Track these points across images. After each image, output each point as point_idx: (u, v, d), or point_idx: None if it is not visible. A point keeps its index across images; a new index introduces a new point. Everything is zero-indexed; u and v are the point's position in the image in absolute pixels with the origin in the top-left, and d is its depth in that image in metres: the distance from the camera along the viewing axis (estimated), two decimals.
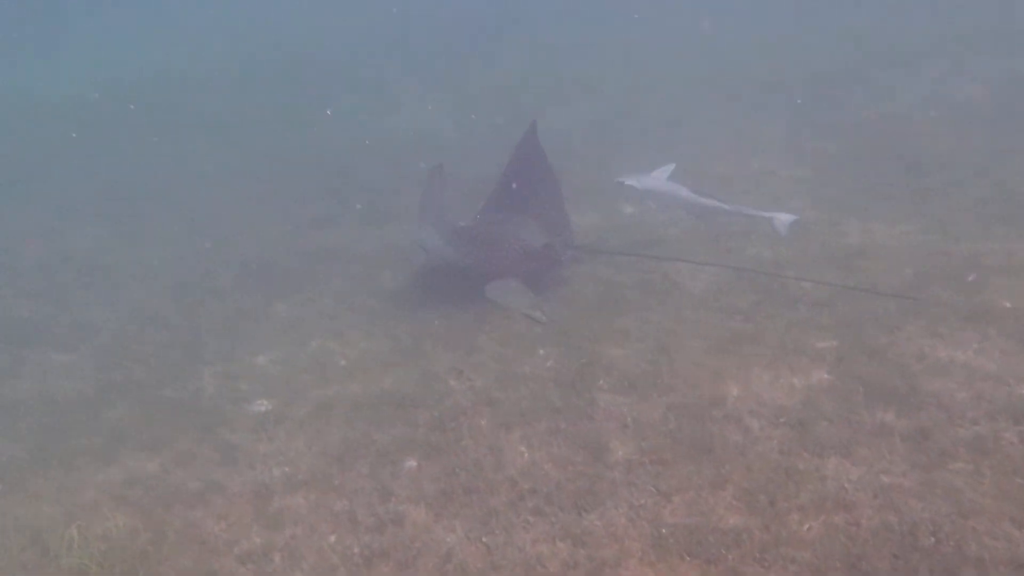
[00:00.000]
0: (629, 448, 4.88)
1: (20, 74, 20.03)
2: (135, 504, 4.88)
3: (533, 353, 6.15)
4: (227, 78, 17.41)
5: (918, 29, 13.58)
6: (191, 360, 6.71)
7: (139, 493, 4.99)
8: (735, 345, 5.78)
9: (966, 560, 3.71)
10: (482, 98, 13.88)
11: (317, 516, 4.65)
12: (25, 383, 6.46)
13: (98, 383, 6.40)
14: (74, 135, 13.83)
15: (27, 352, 6.97)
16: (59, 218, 10.28)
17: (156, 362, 6.70)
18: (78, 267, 8.73)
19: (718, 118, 11.08)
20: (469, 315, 6.83)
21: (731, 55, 13.95)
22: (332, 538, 4.48)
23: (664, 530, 4.19)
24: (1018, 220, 7.04)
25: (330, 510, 4.69)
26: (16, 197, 11.21)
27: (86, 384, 6.40)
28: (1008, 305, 5.68)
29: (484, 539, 4.31)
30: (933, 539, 3.86)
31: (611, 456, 4.84)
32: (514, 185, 7.44)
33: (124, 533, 4.54)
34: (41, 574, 4.41)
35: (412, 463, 5.03)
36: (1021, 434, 4.43)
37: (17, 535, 4.61)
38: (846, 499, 4.18)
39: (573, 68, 14.80)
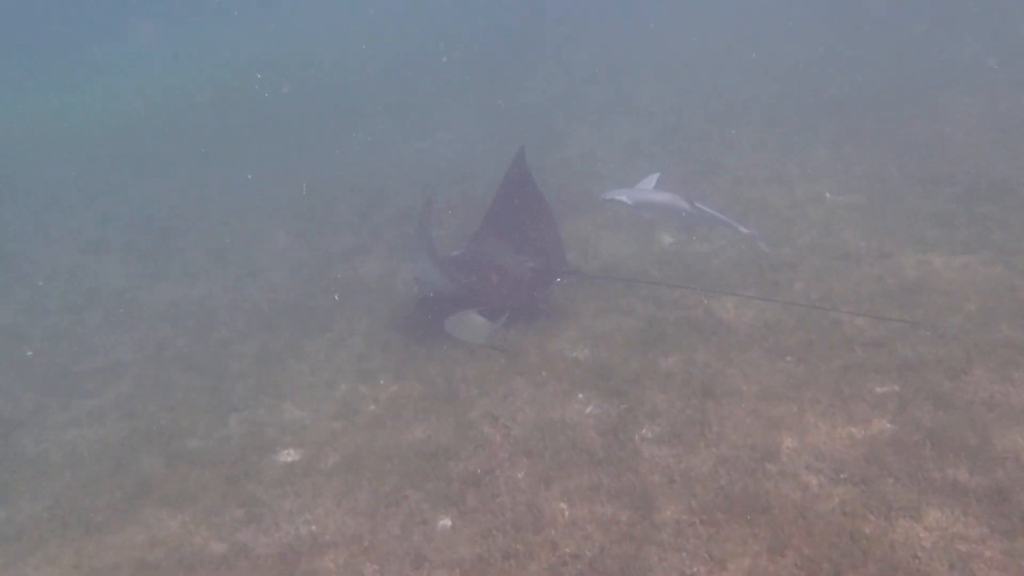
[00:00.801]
0: (678, 506, 4.60)
1: (45, 104, 20.39)
2: (156, 568, 4.70)
3: (572, 397, 5.91)
4: (259, 104, 17.49)
5: (973, 43, 13.12)
6: (217, 405, 6.57)
7: (161, 555, 4.83)
8: (787, 389, 5.48)
9: None
10: (514, 121, 13.72)
11: None
12: (49, 433, 6.37)
13: (122, 432, 6.28)
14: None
15: (52, 398, 6.90)
16: (89, 253, 10.29)
17: (182, 408, 6.57)
18: (105, 305, 8.69)
19: (761, 139, 10.77)
20: (504, 355, 6.61)
21: (775, 72, 13.63)
22: None
23: None
24: None
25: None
26: (45, 231, 11.26)
27: (110, 433, 6.29)
28: None
29: None
30: None
31: (658, 515, 4.56)
32: (500, 212, 7.49)
33: None
34: None
35: (446, 522, 4.80)
36: None
37: None
38: (920, 569, 3.87)
39: (608, 89, 14.60)
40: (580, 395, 5.91)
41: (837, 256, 7.25)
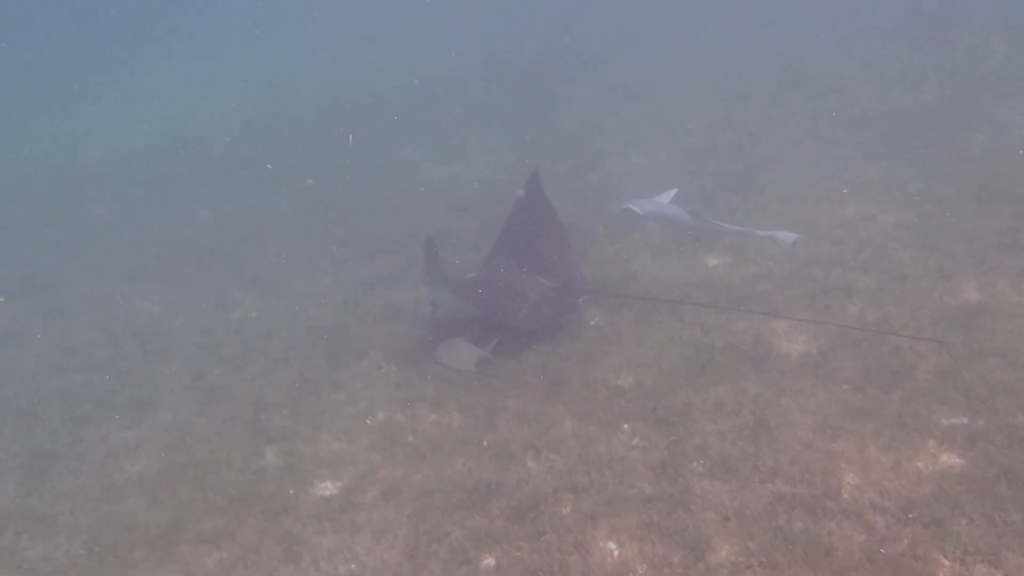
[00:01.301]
0: (733, 547, 4.40)
1: (82, 125, 20.77)
2: None
3: (617, 428, 5.75)
4: (293, 127, 17.64)
5: None
6: (253, 436, 6.51)
7: None
8: (846, 421, 5.26)
9: None
10: (548, 142, 13.63)
11: None
12: (86, 466, 6.35)
13: (159, 465, 6.24)
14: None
15: (89, 430, 6.90)
16: (126, 281, 10.36)
17: (218, 440, 6.53)
18: (142, 334, 8.71)
19: (806, 157, 10.53)
20: (544, 383, 6.48)
21: (816, 86, 13.37)
22: None
23: None
24: None
25: None
26: (82, 257, 11.38)
27: (147, 467, 6.25)
28: None
29: None
30: None
31: (713, 556, 4.37)
32: (515, 235, 7.69)
33: None
34: None
35: (490, 561, 4.66)
36: None
37: None
38: None
39: (644, 107, 14.45)
40: (625, 426, 5.75)
41: (893, 278, 7.00)
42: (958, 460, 4.68)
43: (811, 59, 14.74)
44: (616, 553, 4.54)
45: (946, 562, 3.98)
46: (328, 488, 5.69)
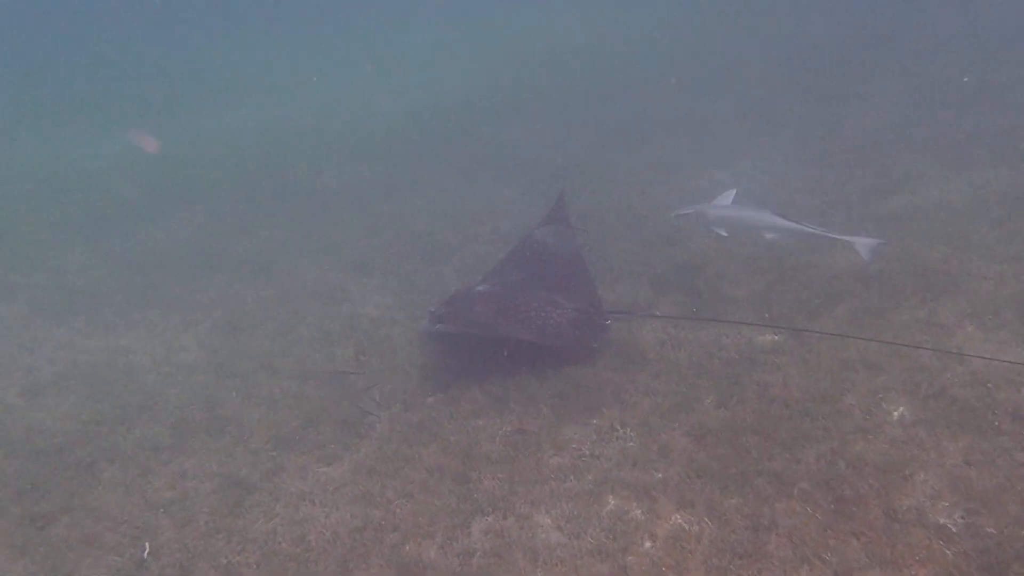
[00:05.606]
0: None
1: (330, 93, 21.47)
2: None
3: None
4: (542, 107, 17.04)
5: None
6: (461, 500, 5.73)
7: None
8: None
9: None
10: (837, 153, 11.79)
11: None
12: (280, 508, 5.87)
13: (355, 521, 5.62)
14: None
15: (290, 458, 6.48)
16: (351, 272, 10.11)
17: (422, 497, 5.82)
18: (357, 340, 8.29)
19: None
20: (828, 498, 5.11)
21: None
22: None
23: None
24: None
25: None
26: (312, 244, 11.35)
27: (342, 520, 5.64)
28: None
29: None
30: None
31: None
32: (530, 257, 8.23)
33: None
34: None
35: None
36: None
37: None
38: None
39: (977, 115, 12.10)
40: None
41: None
42: None
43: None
44: None
45: None
46: None
